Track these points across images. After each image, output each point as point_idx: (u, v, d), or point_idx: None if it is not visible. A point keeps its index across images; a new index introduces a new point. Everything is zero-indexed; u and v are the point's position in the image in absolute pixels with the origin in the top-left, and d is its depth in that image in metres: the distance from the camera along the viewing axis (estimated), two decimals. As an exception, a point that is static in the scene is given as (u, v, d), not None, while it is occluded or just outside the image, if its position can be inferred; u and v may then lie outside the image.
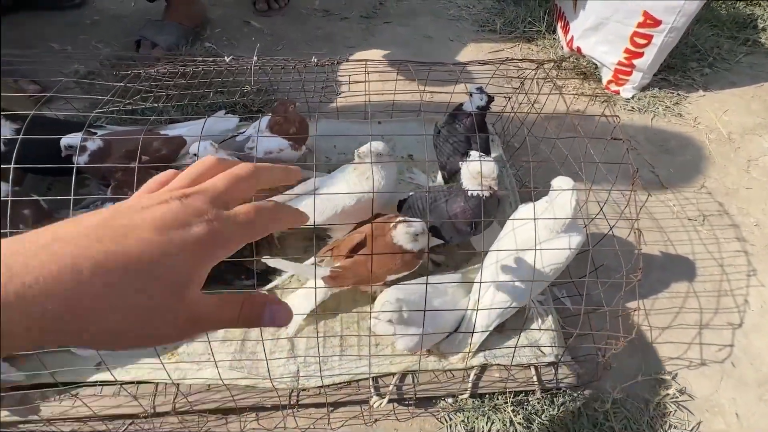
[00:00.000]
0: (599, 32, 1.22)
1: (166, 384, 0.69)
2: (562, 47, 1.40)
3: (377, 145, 0.73)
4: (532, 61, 0.79)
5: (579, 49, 1.31)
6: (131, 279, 0.19)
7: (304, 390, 0.69)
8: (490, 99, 0.80)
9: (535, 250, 0.57)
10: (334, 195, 0.74)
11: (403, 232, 0.70)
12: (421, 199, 0.75)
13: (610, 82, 1.27)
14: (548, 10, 1.52)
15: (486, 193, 0.68)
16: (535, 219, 0.57)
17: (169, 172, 0.27)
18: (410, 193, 0.78)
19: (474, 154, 0.67)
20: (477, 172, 0.64)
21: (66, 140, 0.76)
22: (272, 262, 0.71)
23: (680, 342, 0.78)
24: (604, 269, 0.75)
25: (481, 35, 1.49)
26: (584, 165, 0.64)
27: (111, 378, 0.69)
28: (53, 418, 0.66)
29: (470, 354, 0.70)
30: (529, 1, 1.57)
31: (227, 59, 0.73)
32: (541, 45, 1.43)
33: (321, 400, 0.68)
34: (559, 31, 1.43)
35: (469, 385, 0.69)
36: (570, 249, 0.64)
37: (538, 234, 0.62)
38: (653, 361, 0.75)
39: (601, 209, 0.70)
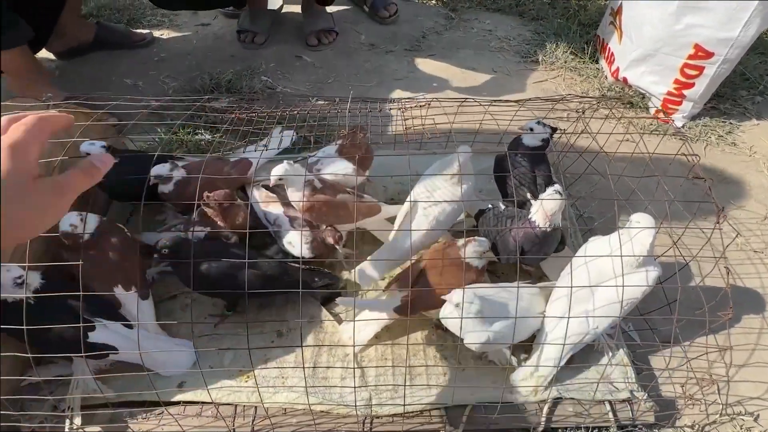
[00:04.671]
0: (647, 63, 1.24)
1: (244, 406, 0.72)
2: (606, 77, 1.42)
3: (466, 150, 0.78)
4: (592, 98, 0.82)
5: (625, 80, 1.32)
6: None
7: (377, 417, 0.70)
8: (554, 130, 0.83)
9: (623, 286, 0.58)
10: (434, 204, 0.79)
11: (473, 250, 0.72)
12: (495, 216, 0.78)
13: (658, 111, 1.28)
14: (589, 41, 1.56)
15: (549, 228, 0.70)
16: (621, 256, 0.58)
17: None
18: (489, 206, 0.81)
19: (549, 190, 0.69)
20: (551, 209, 0.67)
21: (155, 171, 0.83)
22: (345, 300, 0.75)
23: (759, 381, 0.75)
24: (676, 305, 0.74)
25: (524, 66, 1.54)
26: (654, 201, 0.65)
27: (192, 398, 0.73)
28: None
29: (542, 387, 0.70)
30: (569, 33, 1.61)
31: (312, 100, 0.79)
32: (585, 75, 1.46)
33: (394, 428, 0.69)
34: (603, 61, 1.45)
35: (543, 418, 0.68)
36: (648, 285, 0.64)
37: (615, 268, 0.63)
38: (732, 400, 0.73)
39: (675, 243, 0.70)
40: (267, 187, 0.97)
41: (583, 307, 0.68)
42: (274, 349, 0.79)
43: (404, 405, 0.67)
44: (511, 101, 0.89)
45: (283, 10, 1.78)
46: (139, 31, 1.65)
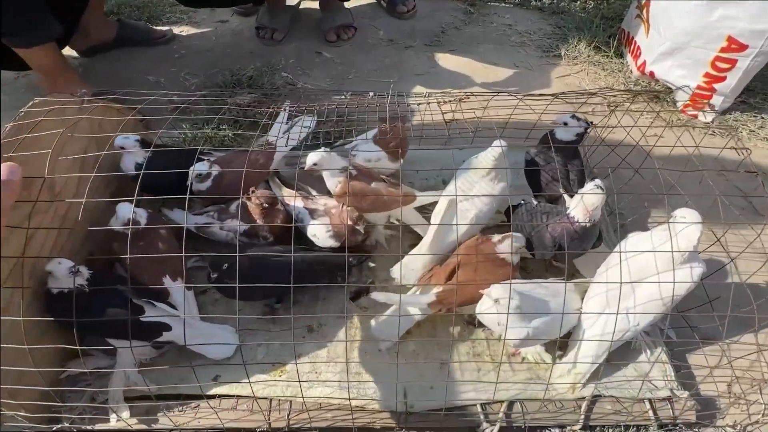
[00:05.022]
0: (676, 57, 1.22)
1: (279, 400, 0.72)
2: (631, 71, 1.40)
3: (502, 143, 0.77)
4: (627, 92, 0.80)
5: (652, 74, 1.30)
6: None
7: (412, 413, 0.70)
8: (588, 125, 0.81)
9: (673, 282, 0.57)
10: (471, 203, 0.78)
11: (508, 246, 0.72)
12: (528, 211, 0.77)
13: (686, 106, 1.26)
14: (613, 35, 1.53)
15: (588, 223, 0.69)
16: (672, 251, 0.57)
17: None
18: (522, 201, 0.80)
19: (590, 185, 0.68)
20: (592, 203, 0.66)
21: (197, 168, 0.84)
22: (381, 296, 0.75)
23: (802, 381, 0.73)
24: (719, 303, 0.72)
25: (546, 61, 1.51)
26: (695, 196, 0.63)
27: (228, 392, 0.73)
28: (176, 428, 0.71)
29: (580, 384, 0.69)
30: (592, 26, 1.59)
31: (346, 95, 0.78)
32: (609, 69, 1.44)
33: (430, 424, 0.69)
34: (628, 55, 1.43)
35: (582, 416, 0.68)
36: (692, 282, 0.63)
37: (657, 264, 0.62)
38: (775, 400, 0.71)
39: (718, 240, 0.68)
40: (285, 183, 0.97)
41: (624, 304, 0.67)
42: (306, 344, 0.80)
43: (444, 401, 0.67)
44: (546, 95, 0.87)
45: (301, 6, 1.77)
46: (159, 28, 1.65)
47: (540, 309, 0.66)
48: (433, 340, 0.78)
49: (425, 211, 0.93)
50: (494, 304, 0.64)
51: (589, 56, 1.48)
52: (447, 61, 1.53)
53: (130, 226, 0.61)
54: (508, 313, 0.59)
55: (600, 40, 1.51)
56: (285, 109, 0.92)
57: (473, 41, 1.61)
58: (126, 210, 0.74)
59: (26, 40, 1.03)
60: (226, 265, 0.75)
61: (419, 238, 0.92)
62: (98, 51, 1.52)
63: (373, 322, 0.81)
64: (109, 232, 0.75)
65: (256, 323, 0.82)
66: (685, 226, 0.62)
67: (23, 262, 0.61)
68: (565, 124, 0.82)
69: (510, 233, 0.73)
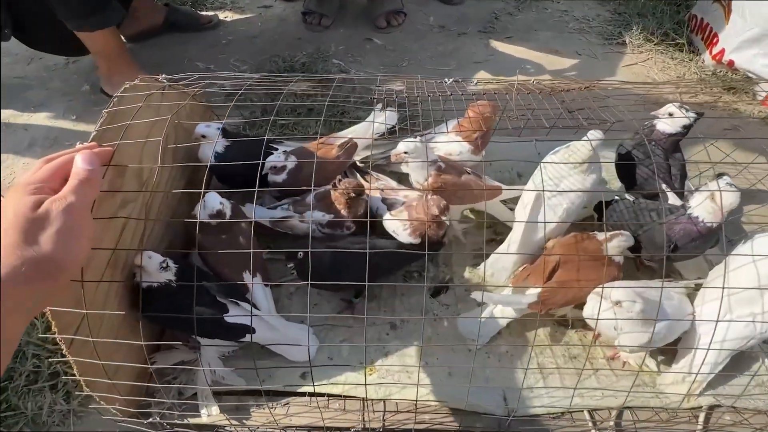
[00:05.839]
0: (762, 44, 1.14)
1: (372, 401, 0.70)
2: (703, 60, 1.32)
3: (597, 135, 0.72)
4: (742, 81, 0.74)
5: (731, 62, 1.22)
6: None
7: (514, 418, 0.67)
8: (699, 115, 0.75)
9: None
10: (563, 196, 0.74)
11: (619, 245, 0.68)
12: (628, 208, 0.73)
13: (769, 97, 1.18)
14: (681, 21, 1.45)
15: (716, 224, 0.64)
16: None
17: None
18: (616, 198, 0.76)
19: (722, 182, 0.63)
20: (730, 204, 0.61)
21: (270, 161, 0.80)
22: (480, 296, 0.71)
23: None
24: None
25: (609, 48, 1.44)
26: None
27: (319, 390, 0.71)
28: (269, 424, 0.69)
29: (695, 394, 0.65)
30: (656, 12, 1.51)
31: (448, 81, 0.74)
32: (679, 58, 1.36)
33: (535, 429, 0.66)
34: (700, 43, 1.35)
35: (699, 426, 0.64)
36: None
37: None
38: None
39: None
40: (362, 173, 0.94)
41: (749, 310, 0.63)
42: (391, 341, 0.77)
43: (570, 408, 0.64)
44: (638, 83, 0.82)
45: (347, -9, 1.72)
46: (204, 13, 1.62)
47: (659, 313, 0.62)
48: (524, 343, 0.74)
49: (507, 205, 0.89)
50: (613, 306, 0.60)
51: (656, 44, 1.40)
52: (506, 48, 1.46)
53: (251, 220, 0.58)
54: (657, 320, 0.55)
55: (668, 26, 1.43)
56: (378, 100, 0.87)
57: (529, 28, 1.55)
58: (214, 200, 0.72)
59: (94, 23, 1.01)
60: (301, 253, 0.72)
61: (498, 233, 0.88)
62: (147, 36, 1.49)
63: (460, 321, 0.78)
64: (194, 222, 0.73)
65: (335, 319, 0.80)
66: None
67: (125, 254, 0.58)
68: (671, 114, 0.77)
69: (619, 231, 0.69)
